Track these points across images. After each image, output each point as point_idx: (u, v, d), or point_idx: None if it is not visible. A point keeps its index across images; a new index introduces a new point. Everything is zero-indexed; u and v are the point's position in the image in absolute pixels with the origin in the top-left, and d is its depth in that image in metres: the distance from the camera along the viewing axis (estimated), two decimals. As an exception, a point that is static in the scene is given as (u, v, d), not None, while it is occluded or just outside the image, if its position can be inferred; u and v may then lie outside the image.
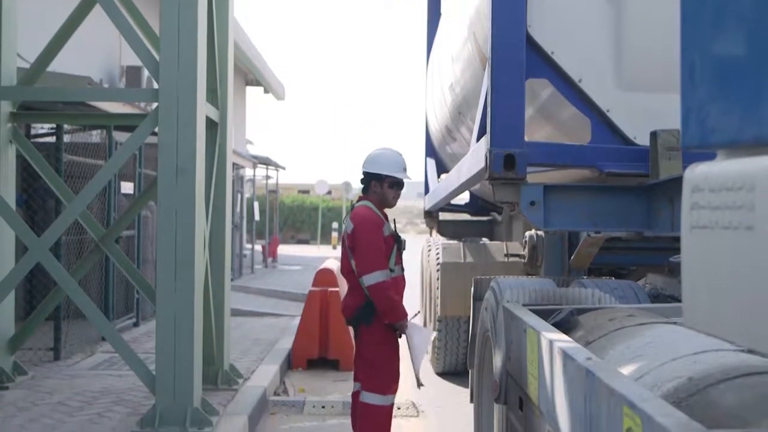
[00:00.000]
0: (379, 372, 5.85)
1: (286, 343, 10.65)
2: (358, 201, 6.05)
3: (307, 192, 52.41)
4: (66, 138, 9.61)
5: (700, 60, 2.03)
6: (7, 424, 6.37)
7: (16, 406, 6.90)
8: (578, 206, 5.10)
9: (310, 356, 9.92)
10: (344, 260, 5.95)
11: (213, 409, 6.62)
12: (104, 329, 7.01)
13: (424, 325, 10.77)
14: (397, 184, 6.00)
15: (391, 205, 6.06)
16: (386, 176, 5.93)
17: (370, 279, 5.68)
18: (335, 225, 41.68)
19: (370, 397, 5.83)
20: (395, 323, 5.79)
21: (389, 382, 5.88)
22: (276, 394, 8.50)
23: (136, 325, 11.84)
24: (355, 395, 5.99)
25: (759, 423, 2.21)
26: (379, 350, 5.86)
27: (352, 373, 6.07)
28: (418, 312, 9.52)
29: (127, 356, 6.65)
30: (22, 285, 9.35)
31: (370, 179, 5.98)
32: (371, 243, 5.76)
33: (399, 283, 5.97)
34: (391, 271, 5.80)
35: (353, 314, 5.86)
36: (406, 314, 5.86)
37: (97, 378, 8.17)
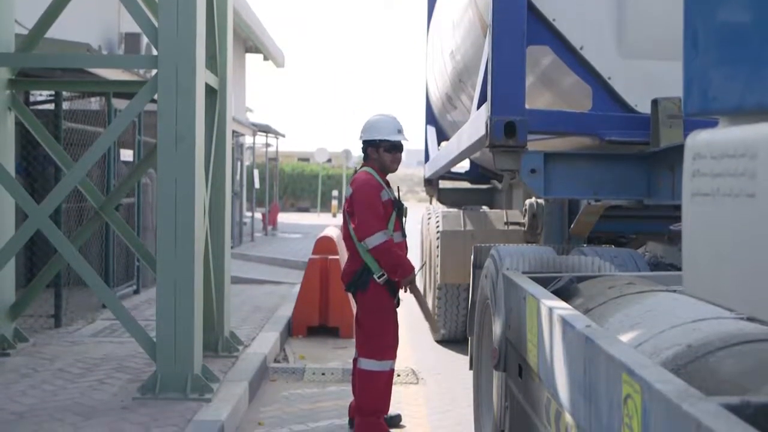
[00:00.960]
0: (374, 338, 5.98)
1: (286, 310, 10.69)
2: (360, 168, 6.20)
3: (307, 160, 52.29)
4: (65, 105, 9.57)
5: (703, 26, 2.01)
6: (9, 390, 6.40)
7: (18, 373, 6.93)
8: (579, 174, 5.10)
9: (310, 323, 9.95)
10: (344, 226, 6.12)
11: (213, 376, 6.65)
12: (105, 296, 7.03)
13: (423, 293, 10.81)
14: (394, 148, 6.11)
15: (392, 169, 6.16)
16: (381, 141, 6.07)
17: (372, 241, 5.79)
18: (335, 193, 41.65)
19: (366, 363, 5.98)
20: (403, 279, 5.90)
21: (385, 348, 5.99)
22: (276, 361, 8.53)
23: (136, 292, 11.87)
24: (356, 362, 6.11)
25: (758, 390, 2.21)
26: (374, 316, 5.98)
27: (353, 340, 6.19)
28: (424, 263, 9.57)
29: (127, 323, 6.67)
30: (22, 252, 9.36)
31: (367, 147, 6.14)
32: (370, 205, 5.88)
33: (402, 250, 6.06)
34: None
35: (351, 280, 5.99)
36: (412, 268, 5.96)
37: (98, 345, 8.20)
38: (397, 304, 6.11)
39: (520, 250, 5.02)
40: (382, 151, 6.09)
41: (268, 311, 10.80)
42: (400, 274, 5.89)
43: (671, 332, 2.86)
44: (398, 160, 6.19)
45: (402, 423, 6.46)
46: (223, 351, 7.81)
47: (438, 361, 8.75)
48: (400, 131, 6.14)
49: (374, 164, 6.11)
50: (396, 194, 6.14)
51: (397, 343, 6.10)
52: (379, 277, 5.91)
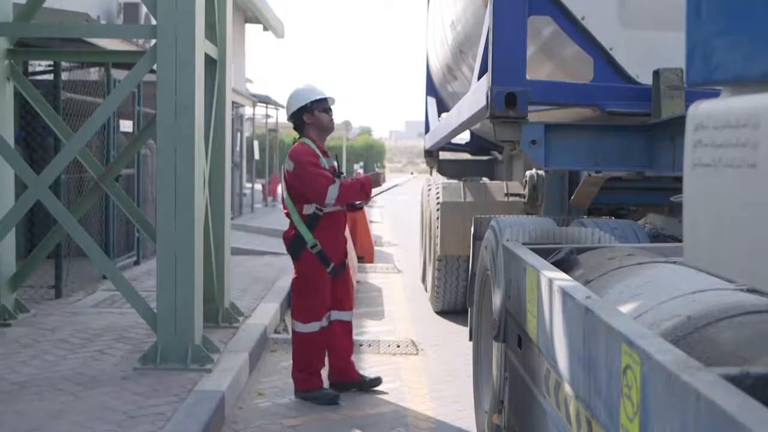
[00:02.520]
0: (301, 302, 6.30)
1: (286, 281, 10.68)
2: (297, 140, 6.39)
3: (306, 131, 52.11)
4: (64, 75, 9.53)
5: (707, -5, 2.00)
6: (10, 360, 6.43)
7: (19, 343, 6.96)
8: (579, 145, 5.09)
9: (310, 295, 9.95)
10: (282, 197, 6.37)
11: (214, 347, 6.67)
12: (105, 267, 7.04)
13: (423, 264, 10.87)
14: (325, 109, 6.35)
15: (330, 127, 6.46)
16: (312, 103, 6.29)
17: (330, 198, 6.08)
18: (334, 163, 41.57)
19: (294, 324, 6.36)
20: (370, 191, 6.29)
21: (309, 312, 6.25)
22: (276, 331, 8.56)
23: (136, 263, 11.89)
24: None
25: (757, 361, 2.22)
26: (303, 283, 6.28)
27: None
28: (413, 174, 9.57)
29: (128, 294, 6.68)
30: (22, 223, 9.37)
31: (301, 115, 6.31)
32: (313, 172, 6.10)
33: (339, 219, 6.31)
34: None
35: (287, 246, 6.28)
36: (367, 179, 6.31)
37: (98, 315, 8.22)
38: (334, 272, 6.28)
39: (520, 222, 5.02)
40: (317, 113, 6.28)
41: (268, 282, 10.82)
42: (367, 192, 6.25)
43: (671, 303, 2.87)
44: (332, 119, 6.45)
45: (401, 392, 6.50)
46: (223, 322, 7.83)
47: (438, 333, 8.78)
48: (321, 93, 6.38)
49: (310, 133, 6.31)
50: (334, 162, 6.39)
51: (321, 310, 6.27)
52: (311, 248, 6.14)
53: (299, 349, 6.33)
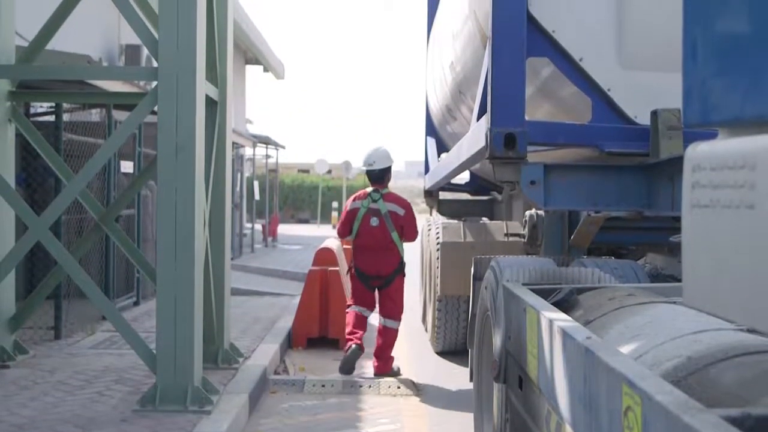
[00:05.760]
0: (401, 306, 8.65)
1: (286, 322, 10.68)
2: (378, 190, 8.54)
3: (307, 171, 52.29)
4: (65, 117, 9.57)
5: (703, 37, 2.02)
6: (9, 402, 6.39)
7: (18, 385, 6.92)
8: (579, 185, 5.10)
9: (310, 335, 9.94)
10: (383, 234, 8.39)
11: (213, 388, 6.64)
12: (105, 308, 7.02)
13: (424, 305, 10.89)
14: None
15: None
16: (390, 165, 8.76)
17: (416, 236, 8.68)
18: (335, 204, 41.63)
19: (393, 323, 8.53)
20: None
21: (402, 313, 8.68)
22: (276, 372, 8.52)
23: (136, 304, 11.86)
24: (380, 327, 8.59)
25: (758, 402, 2.21)
26: (402, 291, 8.64)
27: (349, 343, 8.38)
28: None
29: (127, 335, 6.66)
30: (22, 264, 9.36)
31: (388, 171, 8.67)
32: (414, 215, 8.68)
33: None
34: None
35: (396, 268, 8.48)
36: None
37: (97, 357, 8.19)
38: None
39: (520, 262, 5.02)
40: (388, 173, 8.71)
41: (268, 323, 10.79)
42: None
43: (671, 344, 2.86)
44: None
45: (402, 435, 6.50)
46: (223, 363, 7.80)
47: (438, 373, 8.74)
48: None
49: (386, 185, 8.66)
50: None
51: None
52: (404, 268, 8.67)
53: (393, 340, 8.56)
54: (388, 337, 8.47)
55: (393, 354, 8.59)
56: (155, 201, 7.81)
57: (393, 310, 8.50)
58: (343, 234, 8.78)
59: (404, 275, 8.64)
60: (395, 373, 8.42)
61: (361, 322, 8.59)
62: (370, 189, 8.59)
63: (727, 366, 2.57)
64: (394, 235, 8.36)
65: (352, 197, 8.77)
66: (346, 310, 8.83)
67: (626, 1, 5.20)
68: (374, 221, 8.40)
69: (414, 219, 8.55)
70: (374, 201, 8.44)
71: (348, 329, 8.56)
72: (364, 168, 8.77)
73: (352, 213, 8.53)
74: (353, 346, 8.34)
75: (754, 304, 1.73)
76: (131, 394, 6.67)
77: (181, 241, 6.33)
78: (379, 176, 8.55)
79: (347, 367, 8.32)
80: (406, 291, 8.78)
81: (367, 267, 8.48)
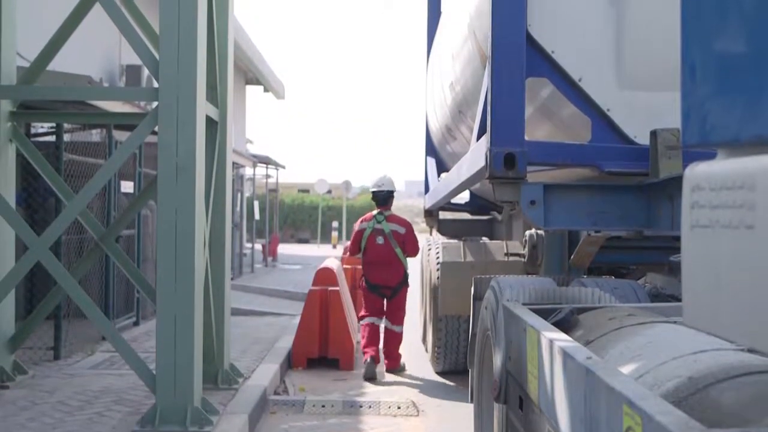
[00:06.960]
0: (404, 312, 10.07)
1: (286, 342, 10.65)
2: (382, 212, 9.97)
3: (307, 191, 52.32)
4: (66, 137, 9.60)
5: (701, 58, 2.03)
6: (8, 422, 6.37)
7: (17, 405, 6.90)
8: (578, 205, 5.10)
9: (310, 355, 9.92)
10: (388, 251, 9.80)
11: (213, 408, 6.62)
12: (104, 328, 7.01)
13: (424, 325, 10.95)
14: None
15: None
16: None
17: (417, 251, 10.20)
18: (335, 224, 41.64)
19: (397, 328, 9.91)
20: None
21: (403, 318, 10.11)
22: (276, 393, 8.50)
23: (136, 324, 11.84)
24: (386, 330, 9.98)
25: (759, 422, 2.20)
26: (404, 300, 10.07)
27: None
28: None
29: (127, 355, 6.65)
30: (22, 284, 9.35)
31: (392, 195, 10.14)
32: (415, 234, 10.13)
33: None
34: None
35: (401, 279, 9.86)
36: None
37: (97, 377, 8.17)
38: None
39: (521, 282, 5.01)
40: (392, 197, 10.15)
41: (268, 343, 10.77)
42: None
43: (672, 364, 2.85)
44: None
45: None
46: (222, 383, 7.78)
47: (438, 393, 8.71)
48: None
49: (390, 207, 10.05)
50: None
51: None
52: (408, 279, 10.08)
53: (399, 342, 9.95)
54: (395, 339, 9.92)
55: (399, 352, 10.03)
56: (155, 221, 7.82)
57: (399, 317, 9.94)
58: (353, 252, 10.33)
59: (408, 285, 10.06)
60: (402, 369, 9.88)
61: (374, 335, 9.78)
62: (375, 212, 10.03)
63: (727, 386, 2.56)
64: (398, 251, 9.81)
65: (360, 219, 10.22)
66: (360, 323, 10.10)
67: (625, 21, 5.22)
68: (380, 240, 9.83)
69: (414, 235, 9.98)
70: (378, 222, 9.90)
71: (363, 342, 9.75)
72: (373, 189, 10.17)
73: (360, 233, 9.97)
74: (369, 359, 9.45)
75: (754, 324, 1.73)
76: (131, 415, 6.65)
77: (181, 262, 6.33)
78: (384, 199, 10.02)
79: (369, 375, 9.35)
80: (407, 305, 10.18)
81: (376, 279, 9.87)
